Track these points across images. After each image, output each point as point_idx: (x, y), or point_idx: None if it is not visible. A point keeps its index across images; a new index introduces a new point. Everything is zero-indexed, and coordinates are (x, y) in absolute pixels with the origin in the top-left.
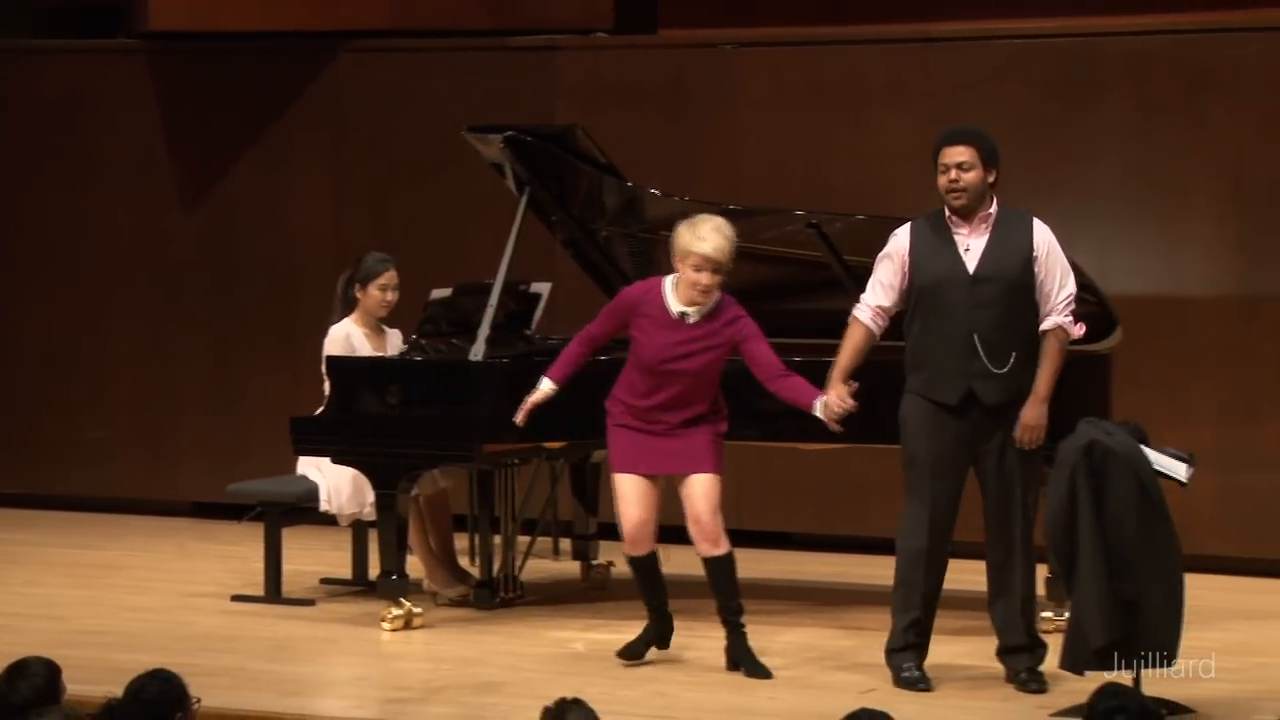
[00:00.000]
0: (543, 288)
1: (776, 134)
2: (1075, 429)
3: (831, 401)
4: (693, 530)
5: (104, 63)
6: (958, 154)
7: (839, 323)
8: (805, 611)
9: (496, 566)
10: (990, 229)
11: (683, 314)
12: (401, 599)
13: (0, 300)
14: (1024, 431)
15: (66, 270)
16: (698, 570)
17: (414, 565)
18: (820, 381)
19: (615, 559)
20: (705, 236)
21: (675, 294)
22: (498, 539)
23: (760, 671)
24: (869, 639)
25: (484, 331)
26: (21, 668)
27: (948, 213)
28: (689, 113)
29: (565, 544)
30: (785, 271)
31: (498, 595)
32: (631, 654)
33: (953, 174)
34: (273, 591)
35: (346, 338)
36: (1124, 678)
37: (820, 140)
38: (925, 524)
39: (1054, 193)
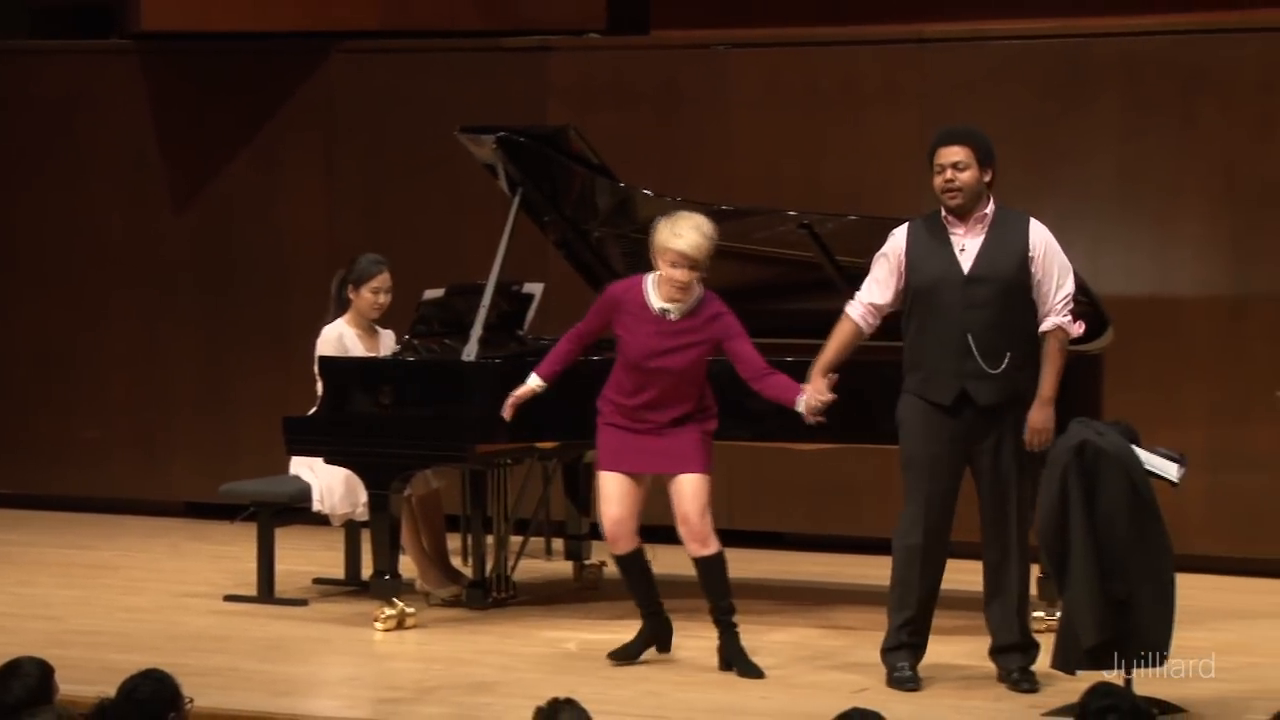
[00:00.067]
0: (535, 288)
1: (770, 135)
2: (1067, 429)
3: (809, 395)
4: (681, 531)
5: (97, 63)
6: (953, 154)
7: (831, 323)
8: (797, 611)
9: (489, 566)
10: (986, 229)
11: (663, 311)
12: (394, 599)
13: None
14: (1032, 435)
15: (60, 270)
16: (689, 570)
17: (407, 565)
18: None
19: (608, 559)
20: (682, 234)
21: (656, 291)
22: (490, 539)
23: (752, 671)
24: (861, 639)
25: (477, 332)
26: (14, 668)
27: (944, 213)
28: (682, 113)
29: (558, 544)
30: (777, 272)
31: (490, 595)
32: (624, 656)
33: (948, 174)
34: (265, 591)
35: (339, 338)
36: (1116, 677)
37: (814, 141)
38: (920, 524)
39: (1047, 193)
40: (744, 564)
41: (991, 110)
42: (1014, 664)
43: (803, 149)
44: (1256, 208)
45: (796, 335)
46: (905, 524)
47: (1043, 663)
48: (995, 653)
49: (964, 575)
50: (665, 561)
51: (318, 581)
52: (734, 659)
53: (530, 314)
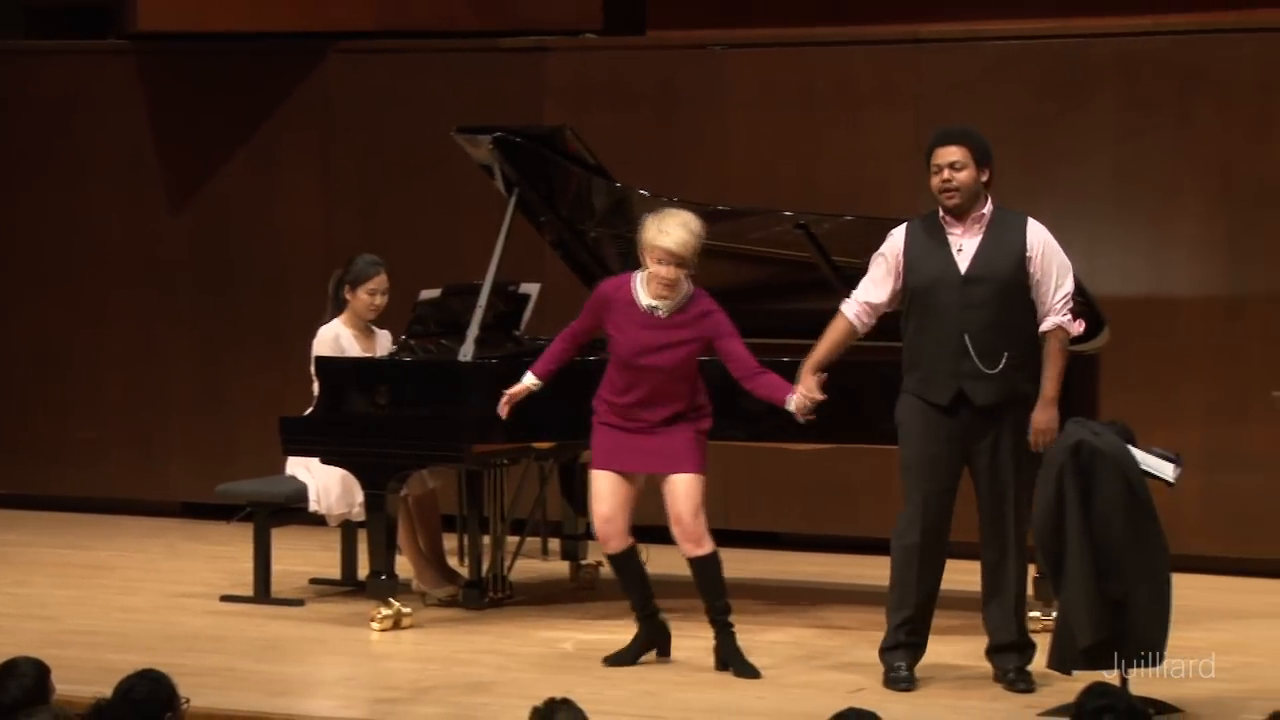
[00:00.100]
0: (531, 288)
1: (766, 135)
2: (1063, 429)
3: (800, 394)
4: (675, 531)
5: (94, 63)
6: (950, 154)
7: (826, 323)
8: (794, 611)
9: (485, 566)
10: (984, 229)
11: (652, 308)
12: (390, 599)
13: None
14: (1036, 435)
15: (57, 270)
16: (684, 570)
17: (403, 565)
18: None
19: (604, 559)
20: (668, 230)
21: (645, 288)
22: (486, 539)
23: (749, 671)
24: (857, 639)
25: (473, 332)
26: (10, 668)
27: (941, 213)
28: (678, 114)
29: (554, 544)
30: (773, 272)
31: (486, 595)
32: (620, 662)
33: (945, 174)
34: (262, 592)
35: (335, 338)
36: (1111, 677)
37: (810, 141)
38: (918, 524)
39: (1044, 193)
40: (740, 564)
41: (988, 111)
42: (1010, 664)
43: (799, 149)
44: (1253, 208)
45: (793, 335)
46: (903, 524)
47: (1039, 663)
48: (992, 652)
49: (962, 575)
50: (660, 562)
51: (314, 582)
52: (730, 659)
53: (526, 314)
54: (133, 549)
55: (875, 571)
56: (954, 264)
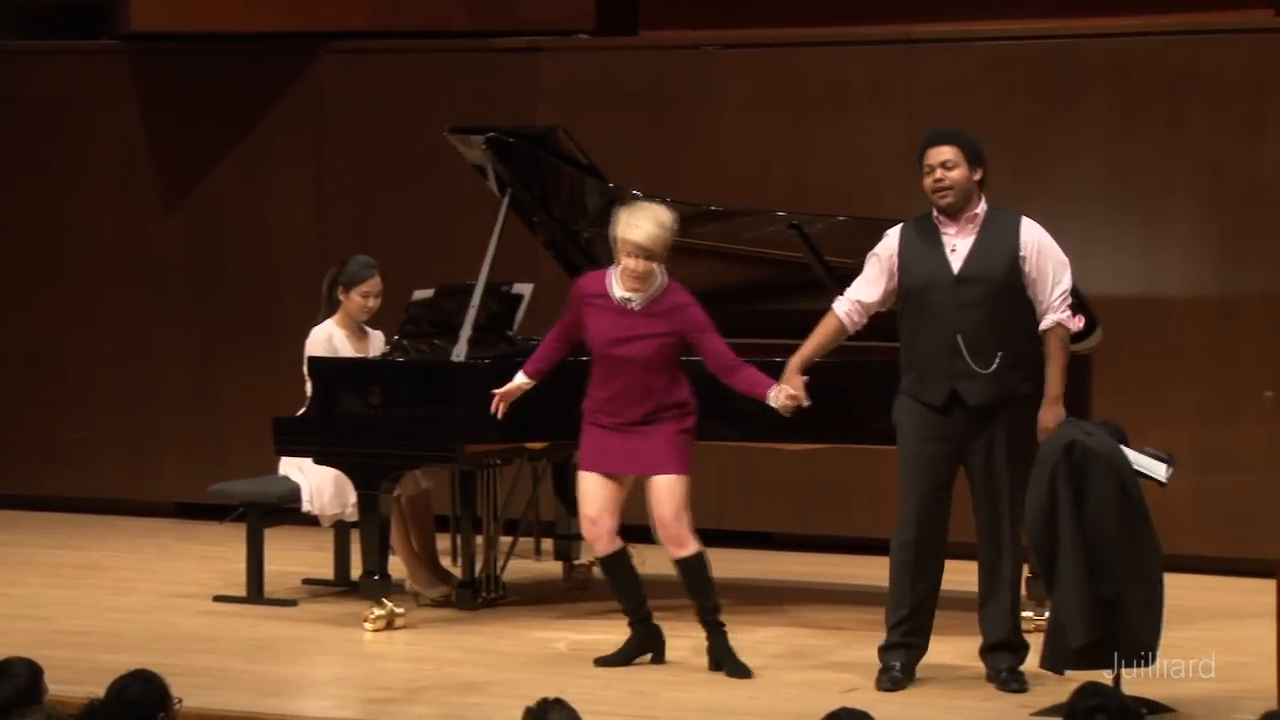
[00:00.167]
0: (525, 289)
1: (759, 135)
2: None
3: (784, 395)
4: (659, 533)
5: (87, 64)
6: (942, 153)
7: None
8: (787, 611)
9: (478, 567)
10: (978, 229)
11: (625, 300)
12: (383, 599)
13: None
14: (1044, 435)
15: (50, 270)
16: (671, 570)
17: (396, 566)
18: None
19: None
20: (637, 224)
21: (619, 282)
22: (480, 539)
23: (741, 671)
24: (850, 638)
25: (466, 332)
26: (3, 668)
27: (935, 214)
28: (671, 114)
29: (547, 544)
30: (766, 272)
31: (480, 595)
32: (612, 665)
33: (938, 173)
34: (255, 592)
35: (328, 339)
36: (1104, 677)
37: (803, 141)
38: (913, 523)
39: (1036, 193)
40: (733, 564)
41: (980, 111)
42: (1003, 664)
43: (792, 149)
44: (1245, 208)
45: (785, 335)
46: (900, 524)
47: (1031, 663)
48: (985, 652)
49: (958, 575)
50: (653, 562)
51: (307, 582)
52: (722, 659)
53: (519, 314)
54: (126, 549)
55: (868, 571)
56: (947, 264)
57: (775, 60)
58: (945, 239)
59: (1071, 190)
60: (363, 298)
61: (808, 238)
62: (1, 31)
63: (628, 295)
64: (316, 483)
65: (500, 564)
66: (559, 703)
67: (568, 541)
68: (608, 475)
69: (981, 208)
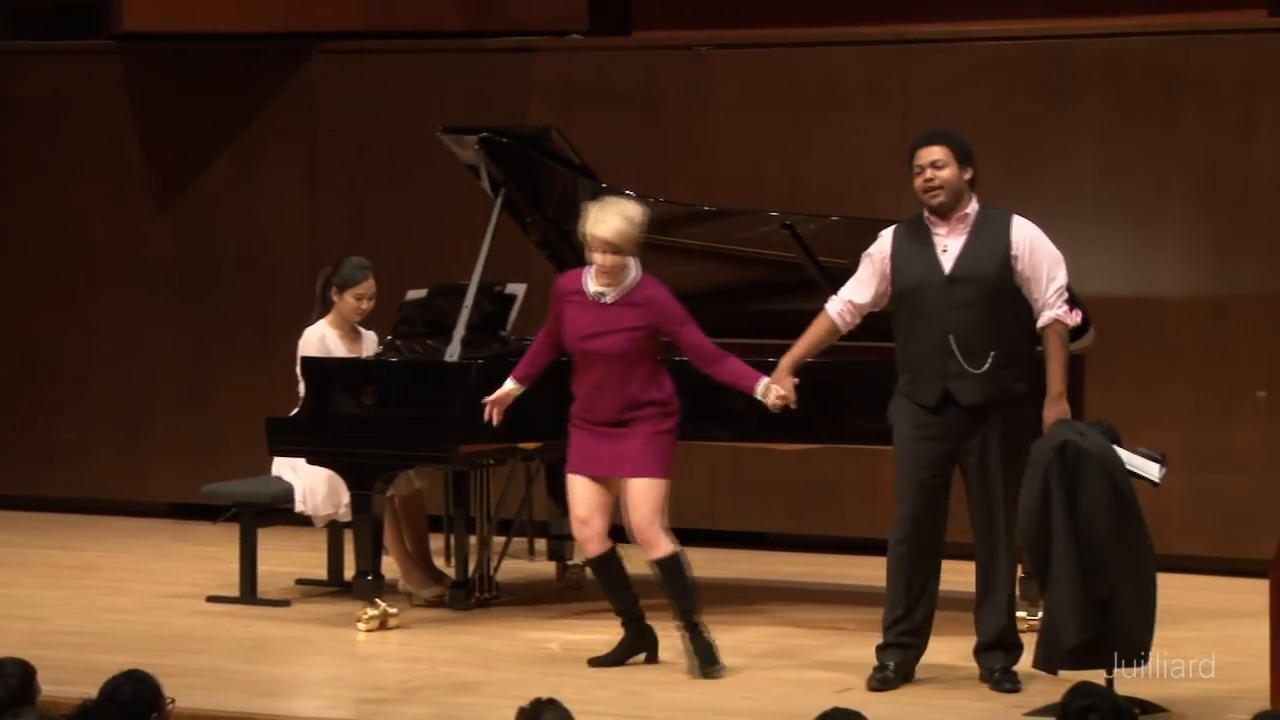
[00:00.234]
0: (518, 289)
1: (752, 135)
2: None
3: (774, 394)
4: (633, 536)
5: (79, 64)
6: (931, 153)
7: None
8: (780, 611)
9: (472, 567)
10: (969, 229)
11: (599, 295)
12: (377, 599)
13: None
14: (1059, 424)
15: (43, 271)
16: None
17: (389, 566)
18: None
19: None
20: (604, 220)
21: (593, 278)
22: (473, 539)
23: (708, 669)
24: (844, 638)
25: (459, 332)
26: None
27: (927, 214)
28: (664, 114)
29: (541, 544)
30: (760, 272)
31: (473, 596)
32: (605, 665)
33: (928, 173)
34: (248, 592)
35: (321, 339)
36: (1097, 677)
37: (796, 142)
38: (908, 524)
39: (1030, 194)
40: (726, 564)
41: (974, 111)
42: (997, 663)
43: (785, 149)
44: (1239, 208)
45: (778, 335)
46: (895, 524)
47: (1025, 662)
48: (979, 651)
49: (954, 575)
50: (639, 561)
51: (300, 582)
52: (697, 654)
53: (513, 315)
54: (119, 549)
55: (862, 571)
56: (938, 264)
57: (769, 60)
58: (936, 239)
59: (1066, 190)
60: (356, 300)
61: (800, 238)
62: None
63: (601, 290)
64: (310, 483)
65: (494, 564)
66: (552, 703)
67: (561, 542)
68: (594, 478)
69: (973, 207)
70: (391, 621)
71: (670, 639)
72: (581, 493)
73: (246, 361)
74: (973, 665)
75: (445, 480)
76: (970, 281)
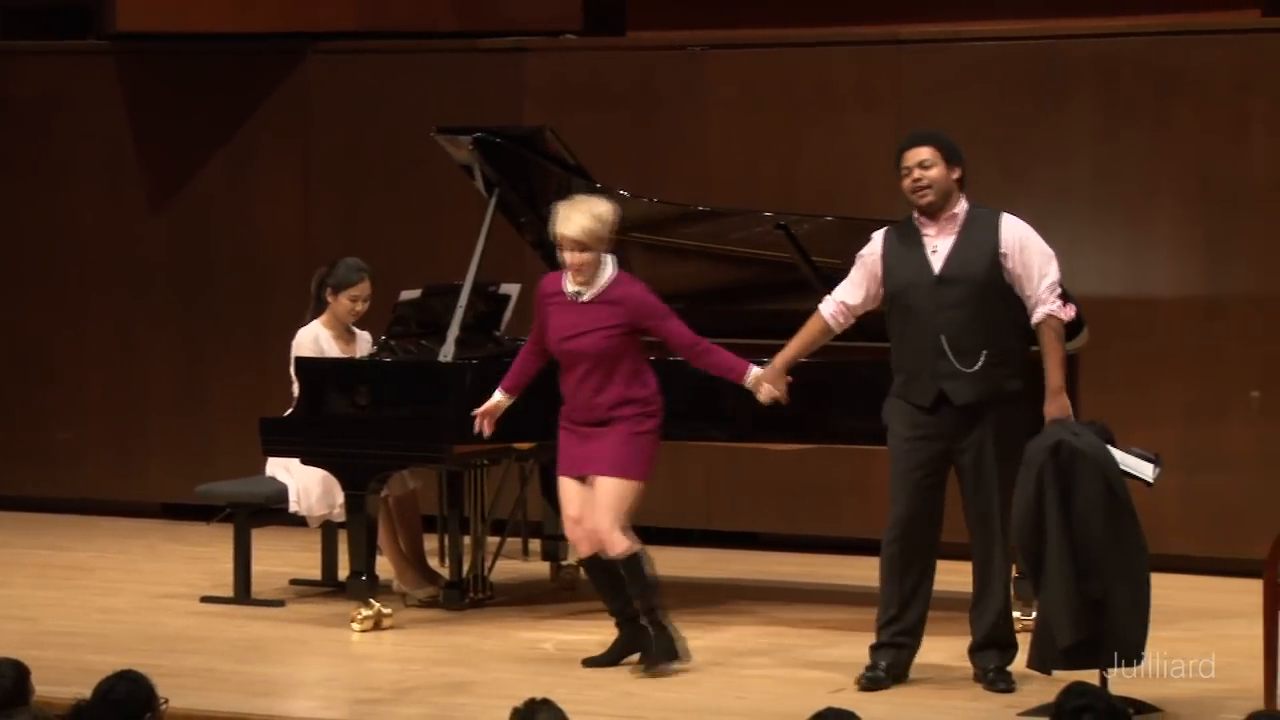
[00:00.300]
0: (512, 289)
1: (746, 136)
2: (1043, 429)
3: (766, 389)
4: (588, 533)
5: (73, 64)
6: (919, 154)
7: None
8: (774, 611)
9: (466, 567)
10: (958, 229)
11: (576, 294)
12: (371, 600)
13: None
14: (1050, 426)
15: (36, 271)
16: (659, 571)
17: (383, 566)
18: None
19: None
20: (571, 218)
21: (570, 278)
22: (467, 540)
23: (656, 670)
24: (837, 638)
25: (453, 332)
26: None
27: (916, 215)
28: (658, 114)
29: (535, 544)
30: (754, 272)
31: (467, 596)
32: (599, 665)
33: (916, 174)
34: (242, 592)
35: (314, 340)
36: (1091, 677)
37: (791, 142)
38: (901, 524)
39: (1023, 194)
40: (721, 564)
41: (967, 111)
42: (991, 663)
43: (779, 150)
44: (1231, 209)
45: (772, 336)
46: (889, 524)
47: (1019, 663)
48: (973, 651)
49: (949, 575)
50: None
51: (294, 582)
52: (656, 650)
53: (507, 315)
54: (112, 550)
55: (856, 572)
56: (928, 265)
57: (763, 61)
58: (926, 240)
59: (1058, 191)
60: (351, 301)
61: (795, 238)
62: None
63: (578, 289)
64: (304, 483)
65: (488, 564)
66: (546, 703)
67: (555, 542)
68: (582, 478)
69: (961, 207)
70: (386, 622)
71: None
72: (571, 493)
73: (241, 362)
74: (967, 665)
75: (439, 480)
76: (960, 281)
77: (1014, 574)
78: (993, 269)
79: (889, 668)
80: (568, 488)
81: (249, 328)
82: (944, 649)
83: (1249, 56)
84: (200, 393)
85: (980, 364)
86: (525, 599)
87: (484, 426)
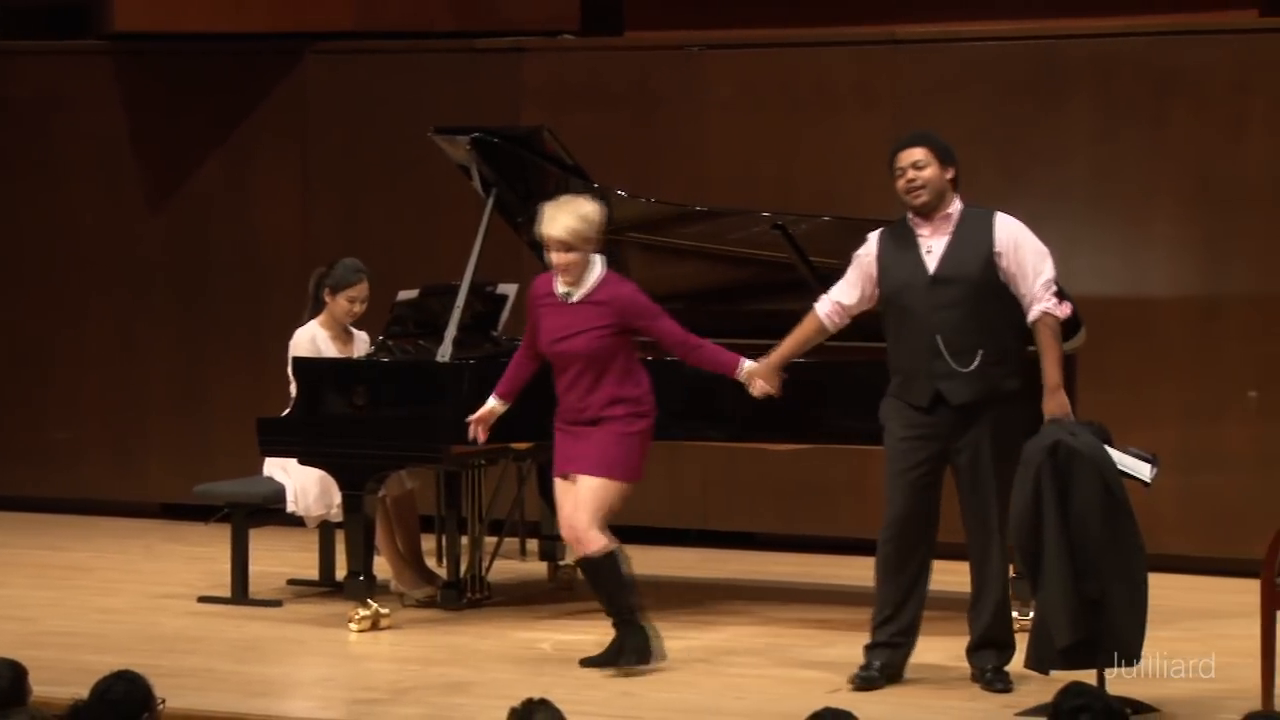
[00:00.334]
0: (509, 289)
1: (744, 136)
2: (1040, 429)
3: (760, 384)
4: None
5: (71, 64)
6: (912, 154)
7: None
8: (771, 611)
9: (463, 567)
10: (952, 229)
11: (565, 295)
12: (368, 600)
13: None
14: (1049, 425)
15: (34, 271)
16: (659, 571)
17: (381, 566)
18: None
19: None
20: (556, 219)
21: (559, 279)
22: (465, 540)
23: (625, 669)
24: (834, 638)
25: (451, 333)
26: None
27: (910, 216)
28: (656, 114)
29: (532, 544)
30: (751, 272)
31: (465, 596)
32: (597, 665)
33: (909, 174)
34: (240, 592)
35: (312, 340)
36: (1089, 677)
37: (788, 142)
38: (898, 524)
39: (1020, 194)
40: (717, 564)
41: (964, 111)
42: (988, 663)
43: (777, 150)
44: (1229, 209)
45: (769, 336)
46: (884, 524)
47: (1016, 662)
48: (971, 651)
49: (947, 576)
50: (642, 562)
51: (292, 582)
52: (627, 650)
53: (504, 315)
54: (110, 550)
55: (853, 571)
56: (923, 265)
57: (760, 61)
58: (920, 240)
59: (1056, 191)
60: (349, 302)
61: (792, 238)
62: None
63: (567, 290)
64: (301, 483)
65: (485, 564)
66: (544, 703)
67: (552, 542)
68: (570, 479)
69: (955, 207)
70: (383, 622)
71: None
72: (563, 494)
73: (239, 362)
74: (964, 665)
75: (437, 480)
76: (954, 281)
77: (1011, 574)
78: (987, 268)
79: (883, 667)
80: (561, 488)
81: (248, 328)
82: (941, 649)
83: (1247, 56)
84: (199, 393)
85: (976, 363)
86: (523, 599)
87: (478, 433)
